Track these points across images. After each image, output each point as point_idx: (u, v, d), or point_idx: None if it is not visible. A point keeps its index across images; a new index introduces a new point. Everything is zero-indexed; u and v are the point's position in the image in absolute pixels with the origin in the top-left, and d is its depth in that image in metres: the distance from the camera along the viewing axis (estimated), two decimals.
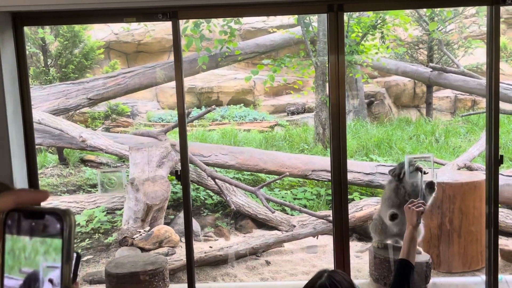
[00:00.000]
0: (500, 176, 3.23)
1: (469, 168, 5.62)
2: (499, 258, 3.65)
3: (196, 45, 7.20)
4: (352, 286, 1.87)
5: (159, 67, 7.26)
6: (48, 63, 8.69)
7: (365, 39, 8.60)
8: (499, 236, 3.41)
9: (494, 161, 3.07)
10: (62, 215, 0.59)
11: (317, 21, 8.20)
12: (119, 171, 3.76)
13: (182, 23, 7.33)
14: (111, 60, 10.12)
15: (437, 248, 4.19)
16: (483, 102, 10.88)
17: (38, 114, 6.27)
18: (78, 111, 8.04)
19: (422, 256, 3.42)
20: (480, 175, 4.44)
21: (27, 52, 8.60)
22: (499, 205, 3.52)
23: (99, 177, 3.51)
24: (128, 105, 9.96)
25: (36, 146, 7.07)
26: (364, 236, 5.33)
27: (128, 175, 5.48)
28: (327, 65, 3.17)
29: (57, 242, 0.59)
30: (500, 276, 3.24)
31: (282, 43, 8.73)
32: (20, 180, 3.05)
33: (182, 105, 3.14)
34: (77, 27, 8.66)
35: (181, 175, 3.18)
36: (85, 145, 5.97)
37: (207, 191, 6.10)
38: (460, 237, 4.15)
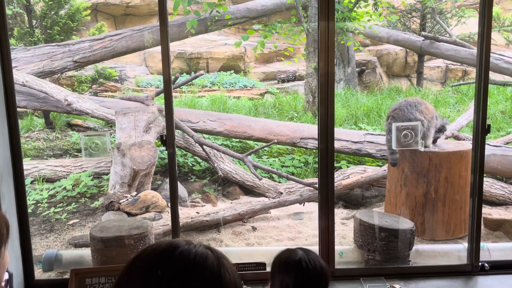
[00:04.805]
0: (486, 146, 3.24)
1: (457, 138, 5.63)
2: (482, 227, 3.71)
3: (183, 7, 7.01)
4: (324, 268, 1.82)
5: (147, 30, 7.09)
6: (33, 24, 8.45)
7: (357, 5, 8.45)
8: (483, 205, 3.45)
9: (481, 130, 3.07)
10: None
11: None
12: (103, 135, 3.70)
13: None
14: (98, 22, 9.86)
15: (421, 216, 4.23)
16: (473, 72, 10.86)
17: (22, 76, 6.12)
18: (64, 74, 7.87)
19: (406, 224, 3.46)
20: (467, 145, 4.45)
21: (11, 12, 8.36)
22: (484, 175, 3.54)
23: (82, 141, 3.45)
24: (116, 70, 9.77)
25: (22, 109, 6.97)
26: (350, 203, 5.37)
27: (114, 140, 5.42)
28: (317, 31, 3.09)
29: None
30: (482, 244, 3.29)
31: (274, 8, 8.55)
32: (1, 142, 2.99)
33: (168, 70, 3.08)
34: None
35: (167, 141, 3.14)
36: (70, 109, 5.87)
37: (195, 157, 6.08)
38: (444, 205, 4.19)
